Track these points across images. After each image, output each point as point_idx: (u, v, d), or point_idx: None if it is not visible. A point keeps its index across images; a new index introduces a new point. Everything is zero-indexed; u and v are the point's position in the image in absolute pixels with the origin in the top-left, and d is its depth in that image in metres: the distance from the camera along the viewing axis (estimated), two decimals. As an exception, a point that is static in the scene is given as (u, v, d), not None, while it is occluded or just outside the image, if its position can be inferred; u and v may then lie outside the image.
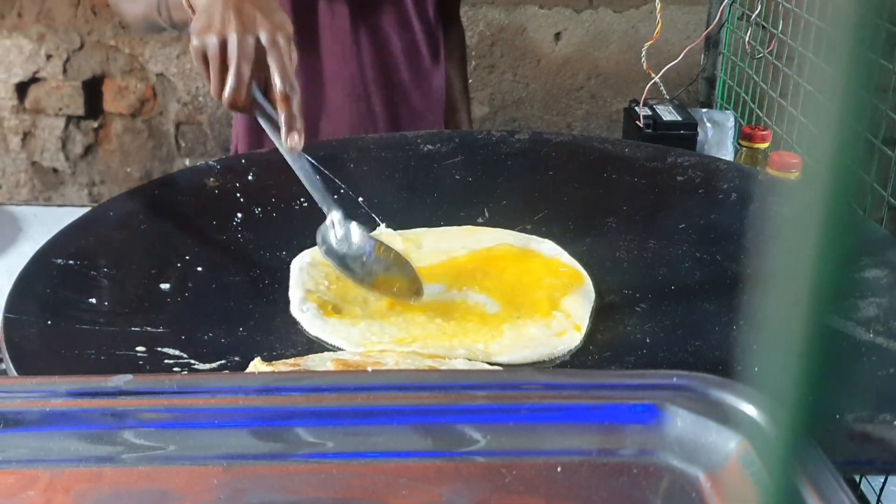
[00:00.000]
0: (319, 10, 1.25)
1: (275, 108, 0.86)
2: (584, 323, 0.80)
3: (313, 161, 0.89)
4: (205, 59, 0.85)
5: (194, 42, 0.85)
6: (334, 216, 0.84)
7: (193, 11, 0.90)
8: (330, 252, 0.83)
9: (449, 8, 1.42)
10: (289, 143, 0.84)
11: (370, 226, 0.97)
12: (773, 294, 0.22)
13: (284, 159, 0.88)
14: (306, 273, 0.86)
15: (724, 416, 0.48)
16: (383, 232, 0.95)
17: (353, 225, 0.85)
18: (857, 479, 0.89)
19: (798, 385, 0.22)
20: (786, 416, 0.23)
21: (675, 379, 0.51)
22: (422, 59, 1.34)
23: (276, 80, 0.83)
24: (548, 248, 0.93)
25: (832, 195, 0.21)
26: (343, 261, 0.83)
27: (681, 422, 0.49)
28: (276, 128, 0.86)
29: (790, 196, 0.21)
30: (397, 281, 0.83)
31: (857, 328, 0.75)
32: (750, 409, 0.48)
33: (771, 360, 0.23)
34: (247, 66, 0.83)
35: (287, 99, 0.83)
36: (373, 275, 0.83)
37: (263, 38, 0.83)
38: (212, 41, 0.84)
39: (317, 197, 0.86)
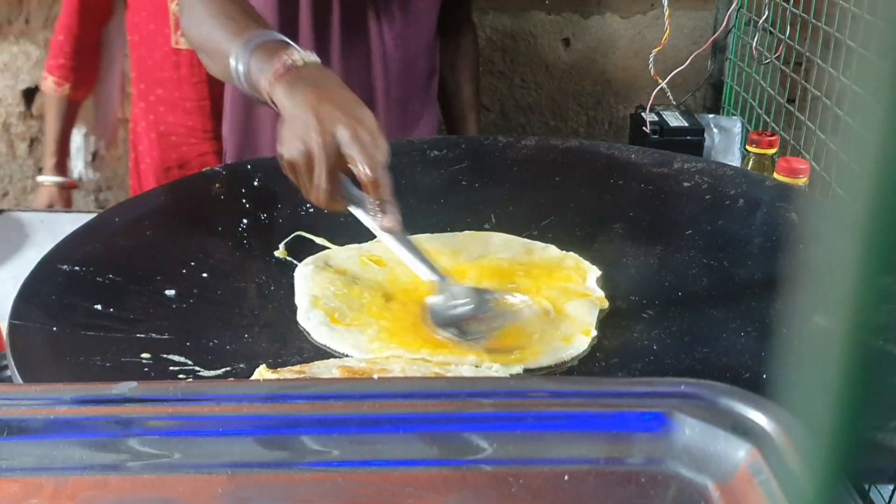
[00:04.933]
0: (333, 18, 1.25)
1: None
2: (591, 327, 0.80)
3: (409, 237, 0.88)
4: (294, 169, 0.86)
5: (282, 154, 0.86)
6: (441, 285, 0.84)
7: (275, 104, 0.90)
8: (447, 323, 0.81)
9: (460, 14, 1.42)
10: (384, 224, 0.85)
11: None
12: (812, 314, 0.21)
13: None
14: (311, 280, 0.86)
15: (733, 424, 0.48)
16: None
17: (455, 287, 0.84)
18: (867, 487, 0.89)
19: (839, 413, 0.21)
20: (825, 446, 0.22)
21: (683, 387, 0.50)
22: (424, 67, 1.34)
23: (362, 171, 0.83)
24: (552, 253, 0.93)
25: (875, 211, 0.20)
26: (461, 325, 0.81)
27: (689, 430, 0.48)
28: (369, 214, 0.87)
29: (830, 213, 0.21)
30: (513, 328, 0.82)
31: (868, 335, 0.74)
32: (759, 418, 0.47)
33: (808, 384, 0.22)
34: (325, 169, 0.84)
35: (375, 184, 0.83)
36: (491, 330, 0.81)
37: (343, 136, 0.83)
38: (297, 152, 0.85)
39: (421, 271, 0.85)
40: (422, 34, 1.32)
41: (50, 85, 1.75)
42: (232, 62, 0.94)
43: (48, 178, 1.77)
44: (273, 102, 0.89)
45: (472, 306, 0.82)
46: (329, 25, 1.26)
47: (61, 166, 1.79)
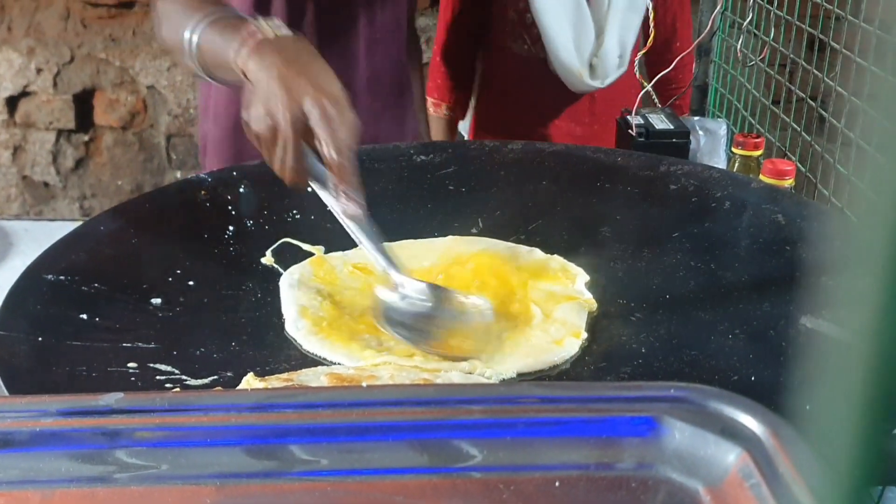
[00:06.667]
0: (306, 22, 1.25)
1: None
2: (581, 330, 0.80)
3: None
4: (259, 140, 0.83)
5: (247, 122, 0.83)
6: (395, 278, 0.81)
7: (248, 78, 0.87)
8: (397, 321, 0.79)
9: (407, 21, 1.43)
10: (349, 210, 0.82)
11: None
12: (838, 338, 0.21)
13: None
14: (297, 290, 0.86)
15: (723, 428, 0.47)
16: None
17: (413, 283, 0.81)
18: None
19: (864, 434, 0.21)
20: (849, 468, 0.21)
21: (672, 391, 0.50)
22: (395, 76, 1.35)
23: (327, 152, 0.80)
24: (538, 256, 0.93)
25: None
26: (411, 324, 0.79)
27: (679, 434, 0.48)
28: (332, 196, 0.83)
29: (855, 235, 0.20)
30: (468, 331, 0.80)
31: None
32: (749, 421, 0.47)
33: (830, 406, 0.21)
34: (291, 146, 0.81)
35: (340, 168, 0.80)
36: (441, 329, 0.80)
37: (311, 111, 0.80)
38: (263, 124, 0.82)
39: (380, 263, 0.83)
40: (392, 42, 1.32)
41: (429, 107, 1.72)
42: (185, 34, 0.92)
43: None
44: (245, 75, 0.86)
45: (428, 305, 0.80)
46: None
47: None
